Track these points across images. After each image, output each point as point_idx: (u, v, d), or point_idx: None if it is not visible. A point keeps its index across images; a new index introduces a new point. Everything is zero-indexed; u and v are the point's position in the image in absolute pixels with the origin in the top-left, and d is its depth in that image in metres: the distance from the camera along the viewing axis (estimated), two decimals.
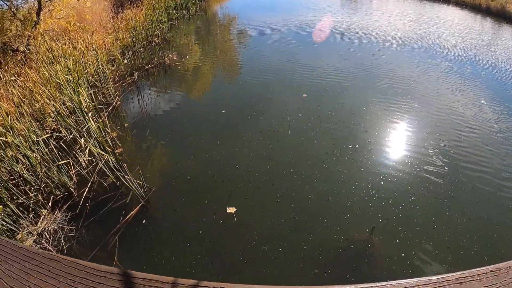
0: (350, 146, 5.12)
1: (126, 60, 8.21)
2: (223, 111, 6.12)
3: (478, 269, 1.28)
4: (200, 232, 3.59)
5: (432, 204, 4.10)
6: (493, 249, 3.54)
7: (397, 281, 1.35)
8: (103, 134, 4.82)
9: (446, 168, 4.76)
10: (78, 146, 4.57)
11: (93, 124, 4.67)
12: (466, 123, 6.08)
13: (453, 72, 8.95)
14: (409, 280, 1.33)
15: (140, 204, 3.87)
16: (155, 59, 8.70)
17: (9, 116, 4.72)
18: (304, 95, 6.78)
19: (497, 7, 22.17)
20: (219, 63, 9.14)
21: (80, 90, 5.59)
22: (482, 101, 6.81)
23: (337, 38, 11.79)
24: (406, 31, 13.57)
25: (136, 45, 9.39)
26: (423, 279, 1.33)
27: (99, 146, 4.45)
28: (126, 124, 5.72)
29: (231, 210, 3.85)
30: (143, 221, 3.71)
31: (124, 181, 3.81)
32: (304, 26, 13.31)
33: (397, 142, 5.34)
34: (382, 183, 4.37)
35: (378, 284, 1.36)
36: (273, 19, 14.37)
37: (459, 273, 1.32)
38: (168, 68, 8.39)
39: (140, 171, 4.11)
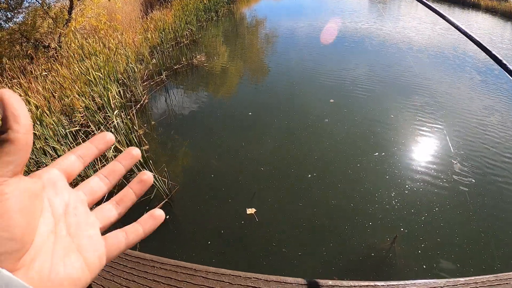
0: (376, 153, 5.04)
1: (154, 60, 8.32)
2: (250, 113, 6.13)
3: (505, 273, 1.25)
4: (222, 231, 3.59)
5: (456, 217, 3.98)
6: None
7: (426, 281, 1.33)
8: (131, 131, 4.90)
9: (473, 180, 4.64)
10: None
11: (121, 121, 4.76)
12: (498, 142, 5.93)
13: (488, 86, 8.72)
14: (438, 281, 1.31)
15: (164, 201, 3.90)
16: (183, 60, 8.76)
17: (39, 109, 4.85)
18: (332, 100, 6.73)
19: None
20: (246, 66, 9.18)
21: (110, 86, 5.71)
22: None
23: (365, 45, 11.69)
24: (436, 40, 13.32)
25: (165, 45, 9.51)
26: (451, 280, 1.30)
27: (126, 142, 4.53)
28: (153, 122, 5.79)
29: (251, 211, 3.84)
30: (167, 217, 3.74)
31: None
32: (331, 32, 13.26)
33: (424, 153, 5.24)
34: (406, 192, 4.28)
35: (407, 282, 1.34)
36: (300, 24, 14.34)
37: (486, 276, 1.29)
38: (195, 69, 8.46)
39: (165, 169, 4.16)
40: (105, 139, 0.45)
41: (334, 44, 11.64)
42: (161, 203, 3.87)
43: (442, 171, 4.78)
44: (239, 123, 5.86)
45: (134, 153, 0.48)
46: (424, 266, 3.33)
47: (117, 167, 0.47)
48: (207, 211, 3.88)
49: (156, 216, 0.46)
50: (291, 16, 16.43)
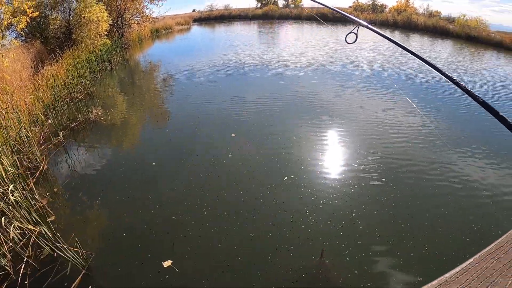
0: (285, 178, 5.44)
1: (50, 120, 8.05)
2: (153, 163, 6.23)
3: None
4: None
5: (374, 216, 4.49)
6: (441, 248, 3.94)
7: None
8: (32, 203, 4.73)
9: (384, 179, 5.28)
10: (7, 220, 4.45)
11: (20, 195, 4.58)
12: (393, 129, 6.83)
13: (370, 84, 10.17)
14: None
15: (82, 273, 3.80)
16: (79, 116, 8.55)
17: None
18: (233, 135, 7.13)
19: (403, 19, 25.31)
20: (146, 113, 9.29)
21: (1, 158, 5.45)
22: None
23: (259, 72, 12.67)
24: (322, 57, 14.87)
25: (59, 102, 9.24)
26: None
27: (30, 217, 4.36)
28: (55, 189, 5.57)
29: (167, 263, 3.90)
30: None
31: (61, 252, 3.79)
32: (225, 65, 14.08)
33: (331, 163, 5.84)
34: (321, 206, 4.70)
35: None
36: (195, 61, 15.08)
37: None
38: (94, 124, 8.34)
39: (76, 238, 4.05)
40: None
41: (229, 77, 12.34)
42: (79, 276, 3.78)
43: (351, 177, 5.35)
44: (144, 174, 5.92)
45: None
46: (356, 272, 3.66)
47: None
48: (129, 273, 3.85)
49: None
50: (185, 55, 16.95)
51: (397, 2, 32.86)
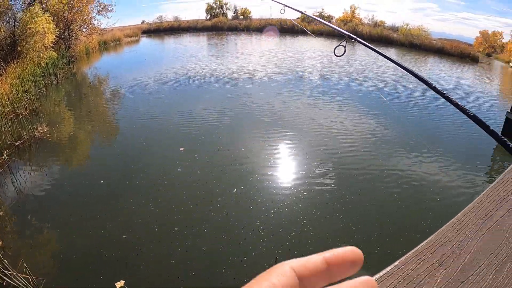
0: (235, 190, 5.62)
1: None
2: (101, 181, 6.21)
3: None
4: None
5: (325, 221, 4.75)
6: (392, 247, 4.22)
7: None
8: None
9: (333, 185, 5.57)
10: None
11: None
12: (343, 137, 7.20)
13: (318, 94, 10.54)
14: None
15: None
16: (24, 134, 8.21)
17: None
18: (182, 149, 7.22)
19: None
20: (93, 129, 9.18)
21: None
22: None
23: (207, 85, 12.93)
24: (271, 68, 15.20)
25: (3, 119, 8.91)
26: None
27: None
28: (1, 213, 5.39)
29: (120, 284, 3.91)
30: None
31: (10, 280, 3.74)
32: (173, 78, 14.16)
33: (280, 173, 6.09)
34: (271, 216, 4.91)
35: None
36: (143, 75, 14.99)
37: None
38: (40, 142, 8.09)
39: (25, 264, 4.02)
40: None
41: (178, 89, 12.48)
42: None
43: (302, 186, 5.59)
44: (93, 194, 5.88)
45: None
46: None
47: None
48: None
49: None
50: (134, 69, 16.77)
51: (343, 13, 34.49)
